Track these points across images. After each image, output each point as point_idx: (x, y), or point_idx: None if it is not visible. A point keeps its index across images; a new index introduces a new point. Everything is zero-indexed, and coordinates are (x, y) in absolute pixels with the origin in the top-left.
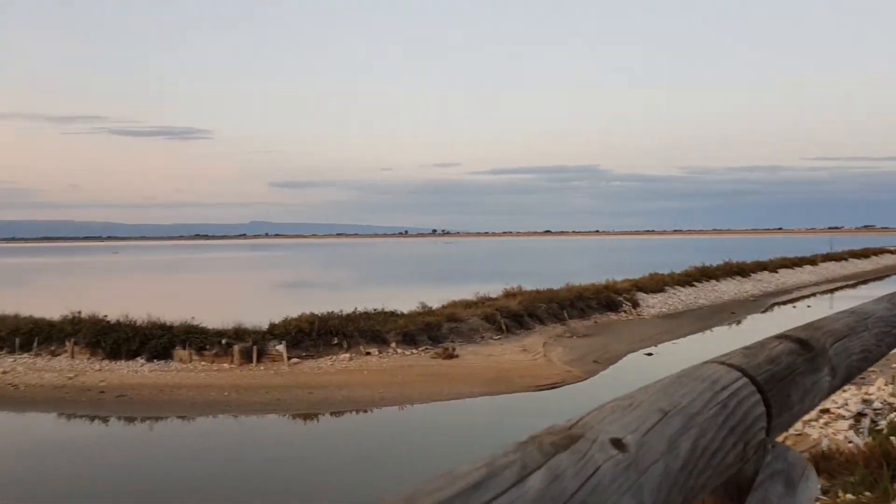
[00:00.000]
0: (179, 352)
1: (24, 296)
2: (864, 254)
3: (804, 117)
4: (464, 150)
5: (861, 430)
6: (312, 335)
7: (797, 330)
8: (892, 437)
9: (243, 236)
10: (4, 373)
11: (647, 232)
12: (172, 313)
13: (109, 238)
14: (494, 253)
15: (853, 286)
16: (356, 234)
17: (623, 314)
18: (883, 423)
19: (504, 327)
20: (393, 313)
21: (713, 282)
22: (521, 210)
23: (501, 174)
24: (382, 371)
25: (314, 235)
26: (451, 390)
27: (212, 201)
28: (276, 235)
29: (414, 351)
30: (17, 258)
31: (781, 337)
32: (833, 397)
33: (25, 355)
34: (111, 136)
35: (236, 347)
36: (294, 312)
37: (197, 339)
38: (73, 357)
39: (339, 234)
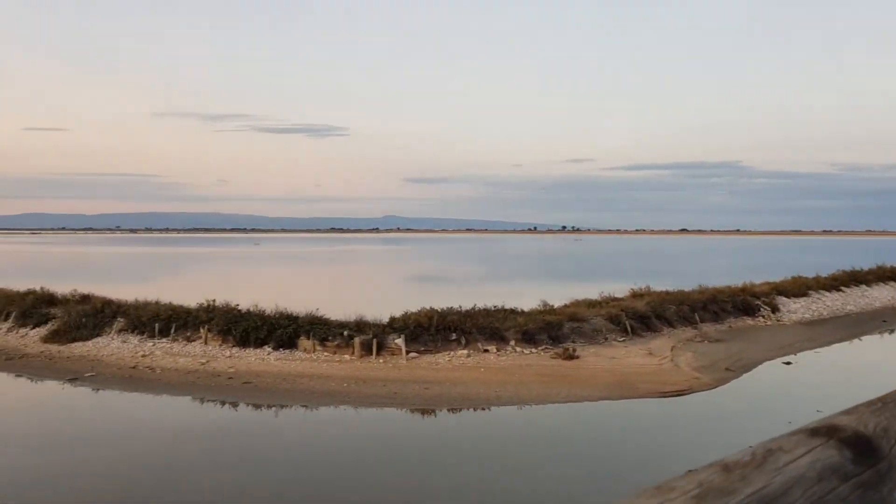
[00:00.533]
0: (304, 342)
1: (167, 283)
2: None
3: None
4: (598, 145)
5: None
6: (431, 330)
7: None
8: None
9: (376, 230)
10: (144, 356)
11: (793, 232)
12: (299, 304)
13: (253, 230)
14: (625, 251)
15: None
16: (485, 230)
17: (760, 319)
18: None
19: (629, 329)
20: (513, 311)
21: (863, 287)
22: (656, 207)
23: (636, 170)
24: (499, 369)
25: (444, 230)
26: (570, 392)
27: (347, 196)
28: (408, 230)
29: (533, 350)
30: (168, 248)
31: None
32: None
33: (164, 340)
34: (256, 134)
35: (357, 339)
36: (416, 306)
37: (320, 330)
38: (206, 343)
39: (468, 230)
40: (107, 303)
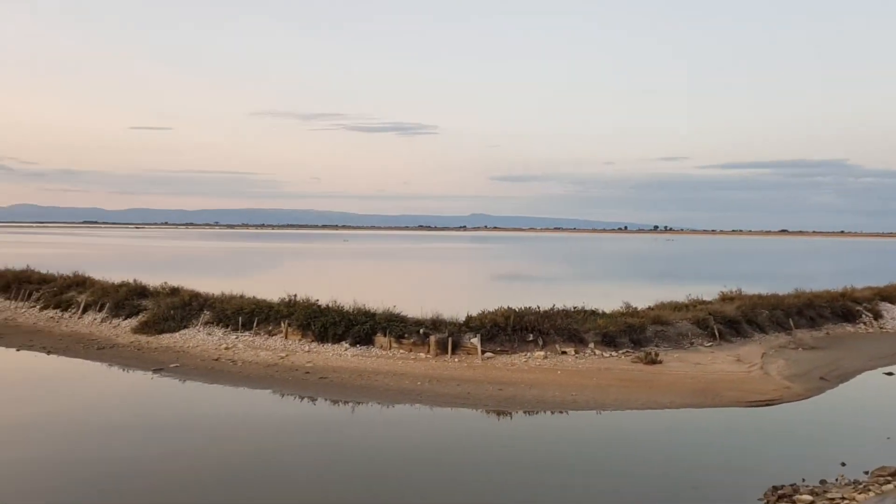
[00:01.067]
0: (380, 338)
1: (254, 278)
2: None
3: None
4: (693, 143)
5: None
6: (507, 330)
7: None
8: None
9: (463, 228)
10: (227, 349)
11: None
12: (378, 300)
13: (344, 227)
14: (718, 252)
15: None
16: (574, 229)
17: (861, 326)
18: None
19: (717, 334)
20: (593, 312)
21: None
22: (754, 207)
23: (733, 168)
24: (577, 372)
25: (532, 229)
26: (650, 399)
27: (435, 193)
28: (495, 228)
29: (613, 353)
30: (262, 243)
31: None
32: None
33: (246, 333)
34: (348, 132)
35: (433, 338)
36: (495, 305)
37: (397, 327)
38: (286, 338)
39: (556, 228)
40: (194, 296)
